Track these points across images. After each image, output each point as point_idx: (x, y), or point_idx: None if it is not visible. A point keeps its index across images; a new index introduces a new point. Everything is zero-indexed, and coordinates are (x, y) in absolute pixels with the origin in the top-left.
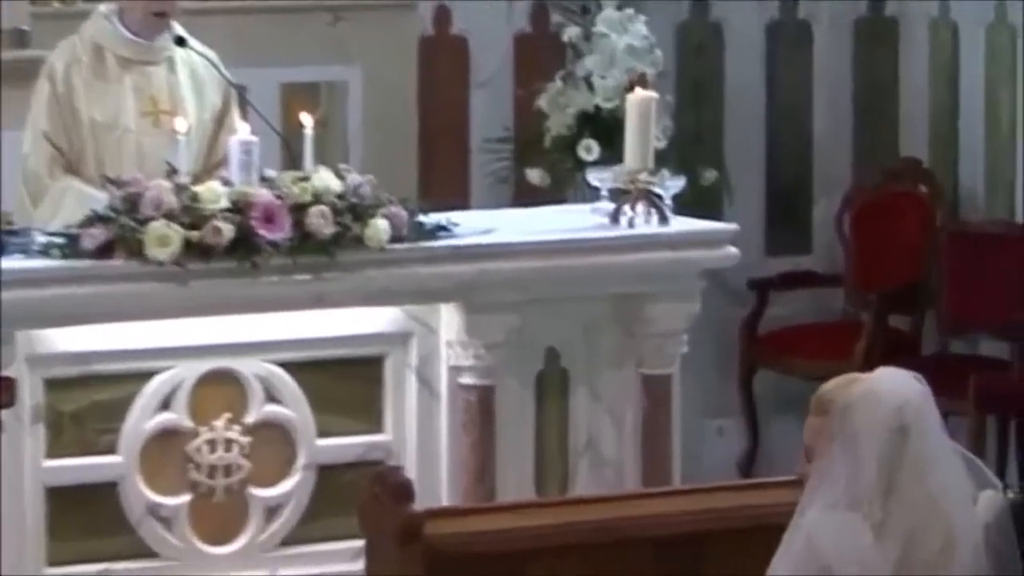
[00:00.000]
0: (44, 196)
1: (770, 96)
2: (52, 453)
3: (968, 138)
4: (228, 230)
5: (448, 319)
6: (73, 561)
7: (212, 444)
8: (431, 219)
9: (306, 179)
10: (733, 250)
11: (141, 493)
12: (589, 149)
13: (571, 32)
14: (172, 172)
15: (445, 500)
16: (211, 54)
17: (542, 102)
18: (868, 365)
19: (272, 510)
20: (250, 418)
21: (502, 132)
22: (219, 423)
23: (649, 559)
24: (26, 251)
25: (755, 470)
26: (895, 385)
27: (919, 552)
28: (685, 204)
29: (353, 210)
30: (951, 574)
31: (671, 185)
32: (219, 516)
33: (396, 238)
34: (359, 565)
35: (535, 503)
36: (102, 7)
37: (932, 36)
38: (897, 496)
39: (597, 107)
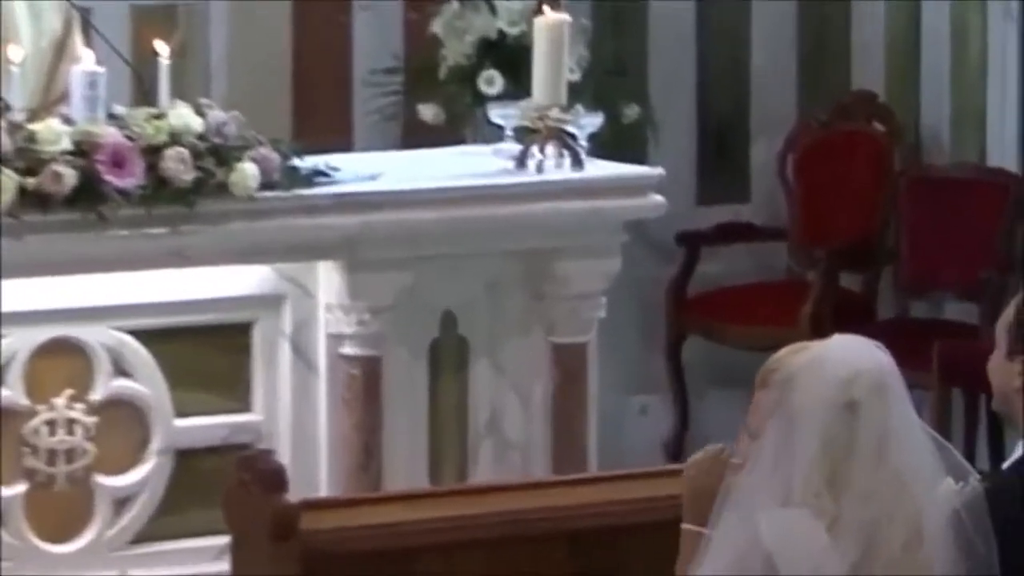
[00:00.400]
0: None
1: (701, 21)
2: None
3: (931, 69)
4: (70, 176)
5: (327, 279)
6: None
7: (52, 425)
8: (307, 163)
9: (161, 117)
10: (659, 199)
11: None
12: (491, 81)
13: None
14: (5, 109)
15: (324, 490)
16: None
17: (436, 27)
18: (815, 331)
19: (122, 502)
20: (96, 395)
21: (390, 62)
22: (60, 401)
23: (561, 557)
24: None
25: (684, 454)
26: (846, 354)
27: (880, 550)
28: (603, 145)
29: (216, 153)
30: (916, 574)
31: (587, 123)
32: (60, 509)
33: (266, 185)
34: (224, 565)
35: (429, 492)
36: None
37: None
38: (851, 486)
39: (500, 33)
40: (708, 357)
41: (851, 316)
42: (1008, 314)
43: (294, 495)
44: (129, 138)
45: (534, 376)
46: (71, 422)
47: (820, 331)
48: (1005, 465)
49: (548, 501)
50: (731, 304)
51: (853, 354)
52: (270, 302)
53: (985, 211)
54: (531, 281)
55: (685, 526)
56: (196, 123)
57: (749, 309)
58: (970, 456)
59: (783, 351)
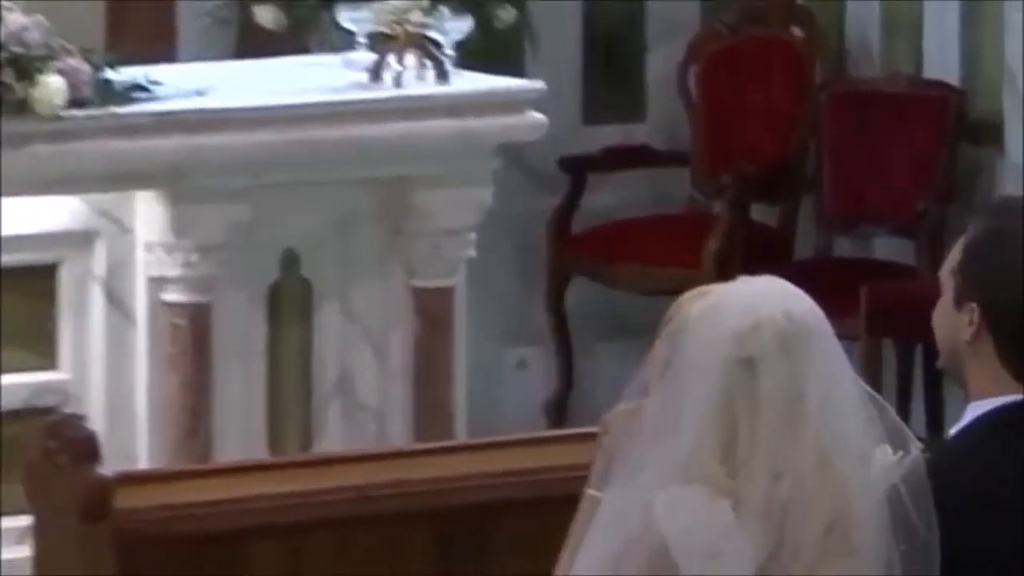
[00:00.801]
0: None
1: None
2: None
3: None
4: None
5: (147, 213)
6: None
7: None
8: (123, 76)
9: None
10: (538, 117)
11: None
12: None
13: None
14: None
15: (144, 461)
16: None
17: None
18: (722, 273)
19: None
20: None
21: None
22: None
23: (423, 539)
24: None
25: (568, 416)
26: (750, 300)
27: (798, 535)
28: (473, 55)
29: (15, 64)
30: (840, 568)
31: (453, 29)
32: None
33: (75, 102)
34: (25, 550)
35: (267, 464)
36: None
37: None
38: (756, 459)
39: None
40: (596, 303)
41: (764, 254)
42: (956, 253)
43: (108, 467)
44: None
45: (392, 326)
46: None
47: (727, 272)
48: (951, 432)
49: (408, 474)
50: (623, 241)
51: (758, 300)
52: (79, 240)
53: (921, 131)
54: (388, 215)
55: (590, 492)
56: None
57: (644, 247)
58: (903, 416)
59: (686, 295)
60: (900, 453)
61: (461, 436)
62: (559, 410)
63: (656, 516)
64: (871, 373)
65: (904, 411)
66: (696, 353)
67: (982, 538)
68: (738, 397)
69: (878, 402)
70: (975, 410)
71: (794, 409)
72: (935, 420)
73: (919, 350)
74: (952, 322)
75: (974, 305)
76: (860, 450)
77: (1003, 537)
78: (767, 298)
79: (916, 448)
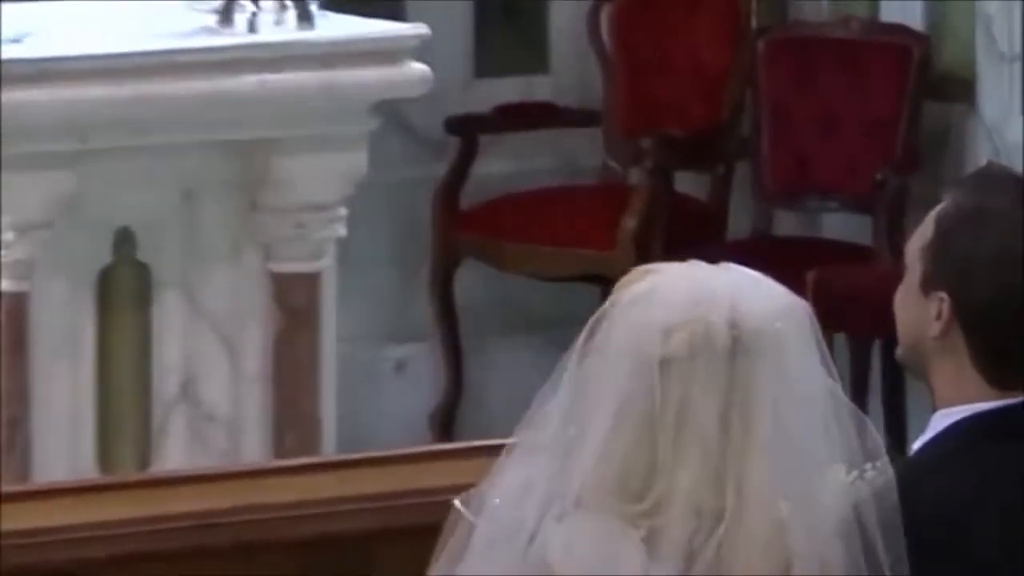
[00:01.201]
0: None
1: None
2: None
3: None
4: None
5: None
6: None
7: None
8: None
9: None
10: (420, 69)
11: None
12: None
13: None
14: None
15: None
16: None
17: None
18: (641, 255)
19: None
20: None
21: None
22: None
23: (284, 573)
24: None
25: (457, 427)
26: (693, 288)
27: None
28: None
29: None
30: None
31: None
32: None
33: None
34: None
35: (96, 484)
36: None
37: None
38: (675, 488)
39: None
40: (491, 292)
41: (692, 233)
42: (927, 228)
43: None
44: None
45: (246, 319)
46: None
47: (647, 254)
48: (915, 445)
49: (265, 497)
50: (523, 217)
51: (703, 291)
52: None
53: (879, 85)
54: (241, 187)
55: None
56: None
57: (548, 224)
58: None
59: (628, 275)
60: (854, 473)
61: (329, 451)
62: (446, 420)
63: (548, 550)
64: None
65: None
66: (616, 346)
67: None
68: (658, 406)
69: (860, 417)
70: (943, 419)
71: (720, 425)
72: (896, 430)
73: (877, 347)
74: (917, 310)
75: (944, 295)
76: (809, 481)
77: (978, 573)
78: (716, 290)
79: (887, 467)
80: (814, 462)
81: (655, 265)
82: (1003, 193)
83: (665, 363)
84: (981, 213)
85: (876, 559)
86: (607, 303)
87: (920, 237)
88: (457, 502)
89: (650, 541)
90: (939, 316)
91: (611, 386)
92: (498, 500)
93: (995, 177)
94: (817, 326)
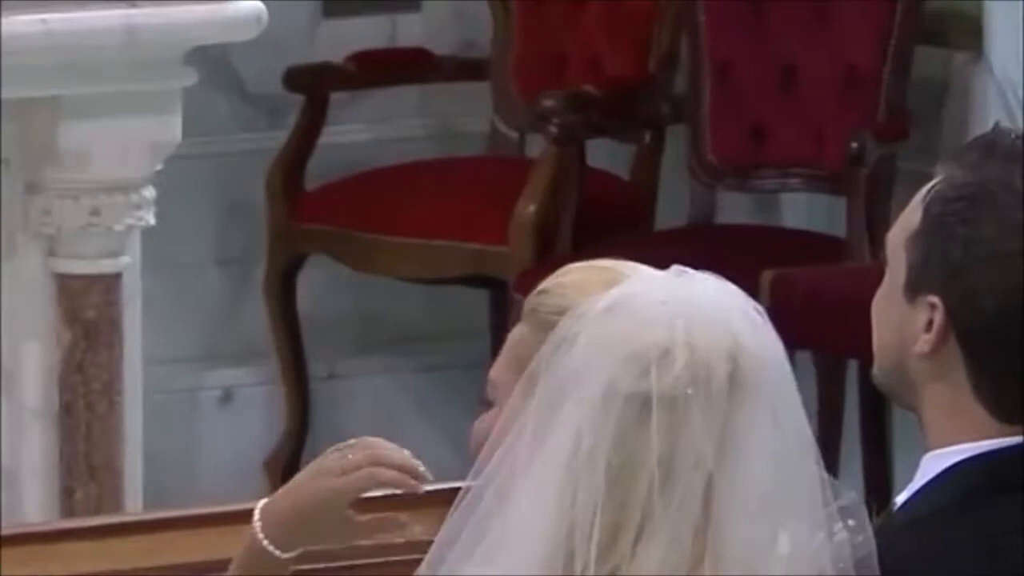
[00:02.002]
0: None
1: None
2: None
3: None
4: None
5: None
6: None
7: None
8: None
9: None
10: (251, 5)
11: None
12: None
13: None
14: None
15: None
16: None
17: None
18: (544, 250)
19: None
20: None
21: None
22: None
23: None
24: None
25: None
26: (678, 304)
27: None
28: None
29: None
30: None
31: None
32: None
33: None
34: None
35: None
36: None
37: None
38: (645, 561)
39: None
40: (344, 298)
41: (610, 220)
42: (912, 216)
43: None
44: None
45: (23, 335)
46: None
47: (550, 249)
48: (900, 499)
49: (50, 568)
50: (386, 201)
51: (691, 309)
52: None
53: (855, 29)
54: (17, 162)
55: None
56: None
57: (419, 210)
58: (830, 470)
59: (571, 270)
60: (820, 536)
61: (134, 508)
62: (288, 465)
63: None
64: None
65: (830, 461)
66: (578, 375)
67: None
68: (635, 459)
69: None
70: (936, 462)
71: (714, 491)
72: (877, 476)
73: (853, 368)
74: (900, 319)
75: (935, 300)
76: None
77: None
78: (706, 311)
79: (864, 526)
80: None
81: (605, 263)
82: (1013, 167)
83: (635, 398)
84: (983, 194)
85: None
86: (547, 301)
87: (904, 225)
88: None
89: None
90: (929, 328)
91: (574, 427)
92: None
93: (1001, 146)
94: None
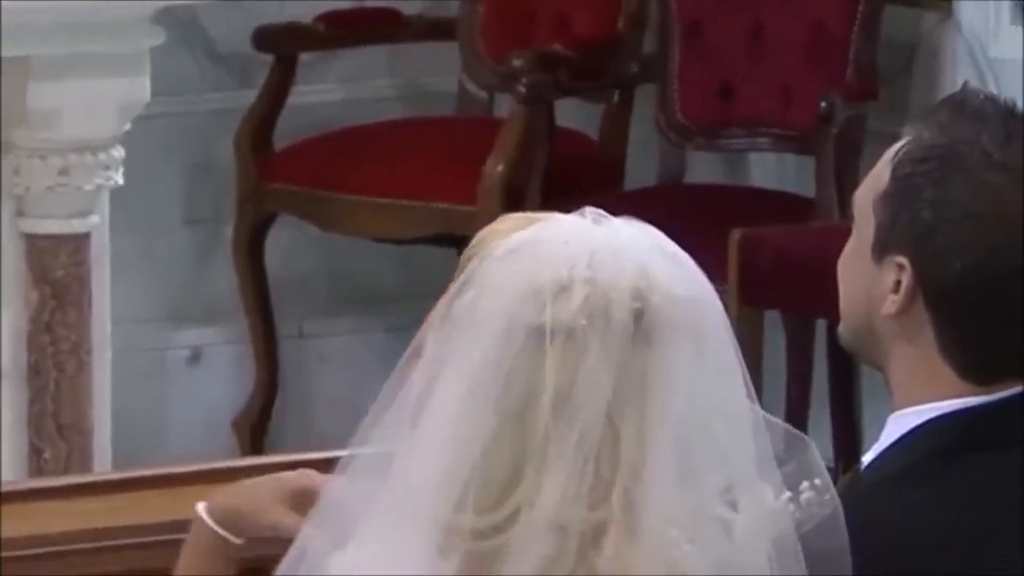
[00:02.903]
0: None
1: None
2: None
3: None
4: None
5: None
6: None
7: None
8: None
9: None
10: None
11: None
12: None
13: None
14: None
15: None
16: None
17: None
18: (513, 208)
19: None
20: None
21: None
22: None
23: None
24: None
25: (272, 434)
26: (583, 244)
27: None
28: None
29: None
30: None
31: None
32: None
33: None
34: None
35: None
36: None
37: None
38: (538, 500)
39: None
40: (313, 259)
41: (579, 180)
42: (881, 175)
43: None
44: None
45: None
46: None
47: (519, 207)
48: (866, 458)
49: (18, 528)
50: (355, 160)
51: (596, 248)
52: None
53: None
54: None
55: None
56: None
57: (388, 170)
58: (798, 428)
59: (502, 221)
60: (786, 496)
61: (102, 467)
62: (257, 425)
63: None
64: (747, 364)
65: (799, 421)
66: (483, 311)
67: None
68: (532, 389)
69: (790, 434)
70: (901, 422)
71: (619, 429)
72: (847, 437)
73: (822, 328)
74: (867, 280)
75: (904, 261)
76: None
77: None
78: (620, 248)
79: (828, 486)
80: (737, 482)
81: (535, 215)
82: (982, 127)
83: (549, 332)
84: (953, 154)
85: None
86: (474, 256)
87: (873, 185)
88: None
89: (488, 564)
90: (897, 288)
91: (472, 362)
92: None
93: (970, 107)
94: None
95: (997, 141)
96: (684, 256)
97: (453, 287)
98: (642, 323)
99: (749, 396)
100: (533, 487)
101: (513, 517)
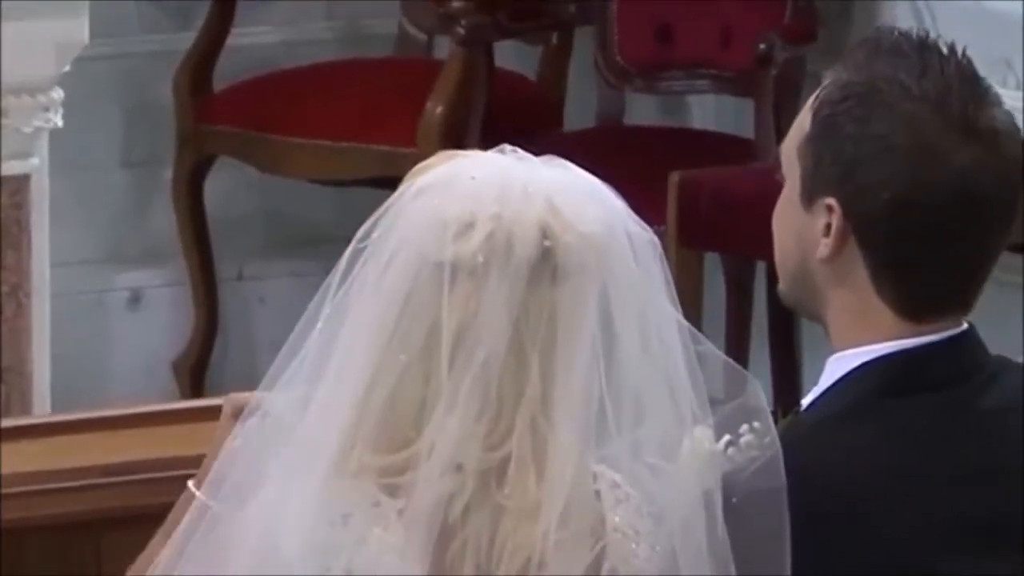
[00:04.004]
0: None
1: None
2: None
3: None
4: None
5: None
6: None
7: None
8: None
9: None
10: None
11: None
12: None
13: None
14: None
15: None
16: None
17: None
18: (448, 149)
19: None
20: None
21: None
22: None
23: None
24: None
25: (212, 376)
26: (493, 180)
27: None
28: None
29: None
30: None
31: None
32: None
33: None
34: None
35: None
36: None
37: None
38: (440, 440)
39: None
40: (252, 201)
41: (518, 122)
42: (803, 121)
43: None
44: None
45: None
46: None
47: (458, 148)
48: (805, 401)
49: None
50: (294, 102)
51: (507, 184)
52: None
53: None
54: None
55: (191, 485)
56: None
57: (327, 111)
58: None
59: (423, 164)
60: (726, 439)
61: (41, 410)
62: (197, 367)
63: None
64: (686, 306)
65: (739, 363)
66: (393, 247)
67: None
68: (435, 324)
69: (729, 369)
70: (840, 364)
71: (524, 364)
72: (787, 379)
73: (761, 269)
74: (798, 228)
75: (832, 202)
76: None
77: (886, 560)
78: (531, 185)
79: (769, 428)
80: (659, 422)
81: (462, 152)
82: (898, 62)
83: (451, 268)
84: (871, 91)
85: (756, 552)
86: (393, 196)
87: (797, 132)
88: (191, 484)
89: (407, 528)
90: (828, 231)
91: (380, 299)
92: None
93: (885, 44)
94: (664, 260)
95: (914, 74)
96: (604, 194)
97: (367, 224)
98: (551, 260)
99: (686, 334)
100: (437, 427)
101: (416, 456)
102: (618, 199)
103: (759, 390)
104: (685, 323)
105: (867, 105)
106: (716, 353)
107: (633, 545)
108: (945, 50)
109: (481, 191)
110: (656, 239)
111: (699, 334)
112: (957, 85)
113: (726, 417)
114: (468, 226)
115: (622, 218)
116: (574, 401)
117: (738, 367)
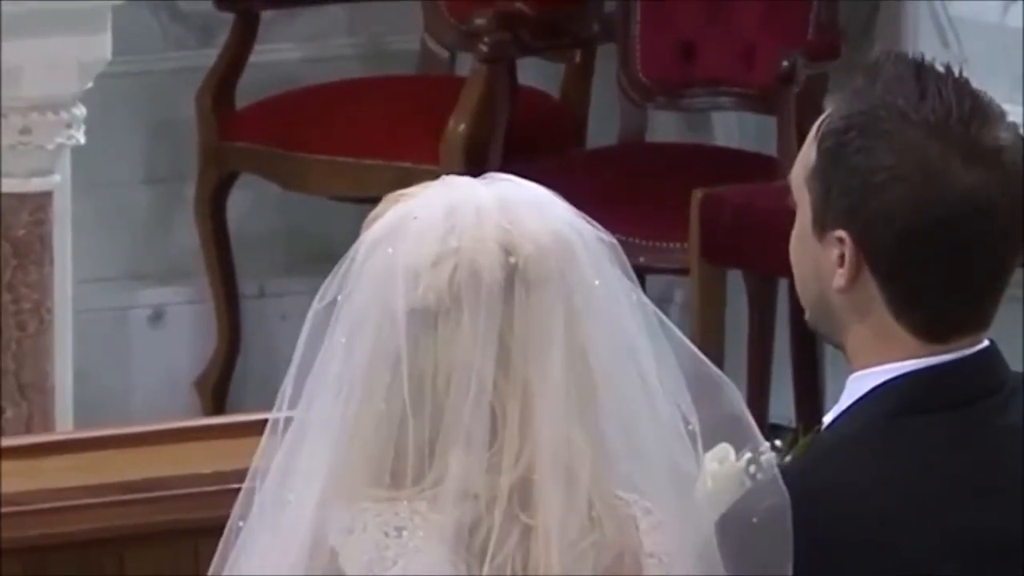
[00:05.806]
0: None
1: None
2: None
3: None
4: None
5: None
6: None
7: None
8: None
9: None
10: None
11: None
12: None
13: None
14: None
15: None
16: None
17: None
18: (475, 167)
19: None
20: None
21: None
22: None
23: None
24: None
25: (233, 394)
26: (450, 212)
27: None
28: None
29: None
30: None
31: None
32: None
33: None
34: None
35: None
36: None
37: None
38: (449, 468)
39: None
40: (275, 218)
41: (541, 139)
42: (808, 153)
43: None
44: None
45: None
46: None
47: (481, 167)
48: (826, 419)
49: None
50: (316, 119)
51: (454, 209)
52: None
53: None
54: None
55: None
56: None
57: (350, 129)
58: (759, 394)
59: (387, 199)
60: (747, 456)
61: (64, 427)
62: (219, 385)
63: (331, 543)
64: (708, 323)
65: (761, 382)
66: (361, 299)
67: None
68: (419, 367)
69: (712, 381)
70: (859, 384)
71: (509, 385)
72: (808, 394)
73: (783, 286)
74: (814, 259)
75: (843, 234)
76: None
77: None
78: (481, 209)
79: (766, 456)
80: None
81: (405, 191)
82: (896, 88)
83: (422, 314)
84: (872, 120)
85: (764, 570)
86: (347, 254)
87: (803, 163)
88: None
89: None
90: (842, 262)
91: (361, 344)
92: (266, 491)
93: (882, 69)
94: (625, 259)
95: (913, 99)
96: (549, 200)
97: (325, 284)
98: (519, 275)
99: (653, 322)
100: (442, 464)
101: (425, 492)
102: (562, 202)
103: (738, 396)
104: (652, 308)
105: (869, 135)
106: (686, 343)
107: (667, 571)
108: (942, 70)
109: (429, 229)
110: (608, 236)
111: (671, 325)
112: (956, 106)
113: (709, 428)
114: (430, 268)
115: (570, 220)
116: (557, 414)
117: (708, 363)
